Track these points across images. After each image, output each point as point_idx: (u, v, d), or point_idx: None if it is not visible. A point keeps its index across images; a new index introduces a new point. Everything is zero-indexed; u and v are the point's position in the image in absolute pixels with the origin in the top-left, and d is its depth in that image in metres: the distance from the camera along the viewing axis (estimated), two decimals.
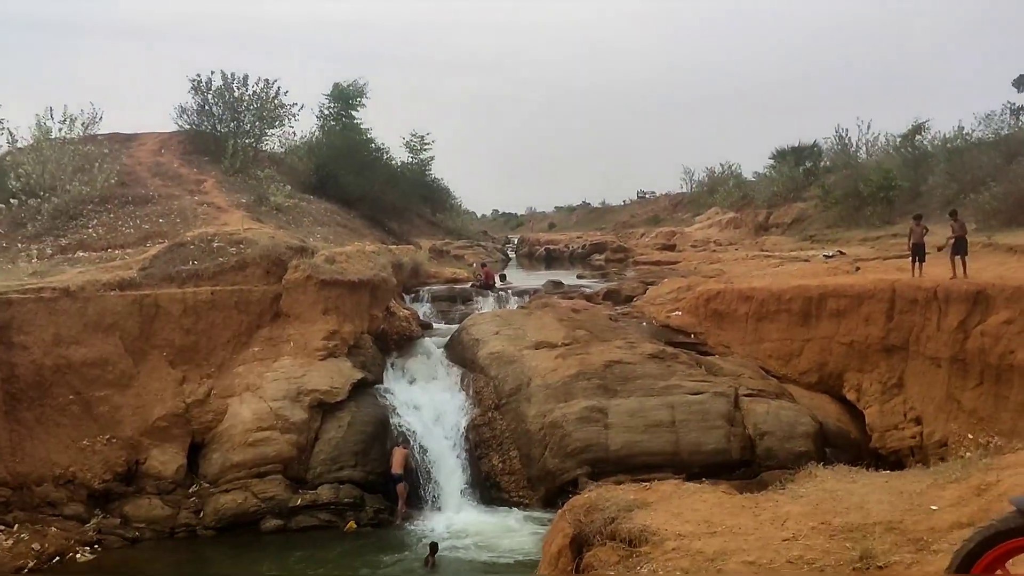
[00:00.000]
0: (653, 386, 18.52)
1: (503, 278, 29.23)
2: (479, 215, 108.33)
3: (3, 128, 25.65)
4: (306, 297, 19.47)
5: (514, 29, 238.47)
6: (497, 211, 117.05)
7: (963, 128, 35.81)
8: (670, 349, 20.14)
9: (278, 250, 20.01)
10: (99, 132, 29.01)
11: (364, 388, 19.18)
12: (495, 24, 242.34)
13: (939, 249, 18.83)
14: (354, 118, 39.31)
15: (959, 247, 17.77)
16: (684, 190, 68.97)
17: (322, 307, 19.50)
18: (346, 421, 18.19)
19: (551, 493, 17.70)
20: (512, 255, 58.54)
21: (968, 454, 15.44)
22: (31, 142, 24.22)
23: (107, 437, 17.15)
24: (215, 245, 19.75)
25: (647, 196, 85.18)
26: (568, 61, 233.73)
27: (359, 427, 18.19)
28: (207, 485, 17.34)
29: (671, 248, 45.10)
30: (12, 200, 21.93)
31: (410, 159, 50.46)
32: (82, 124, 28.22)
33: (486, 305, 25.33)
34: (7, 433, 16.24)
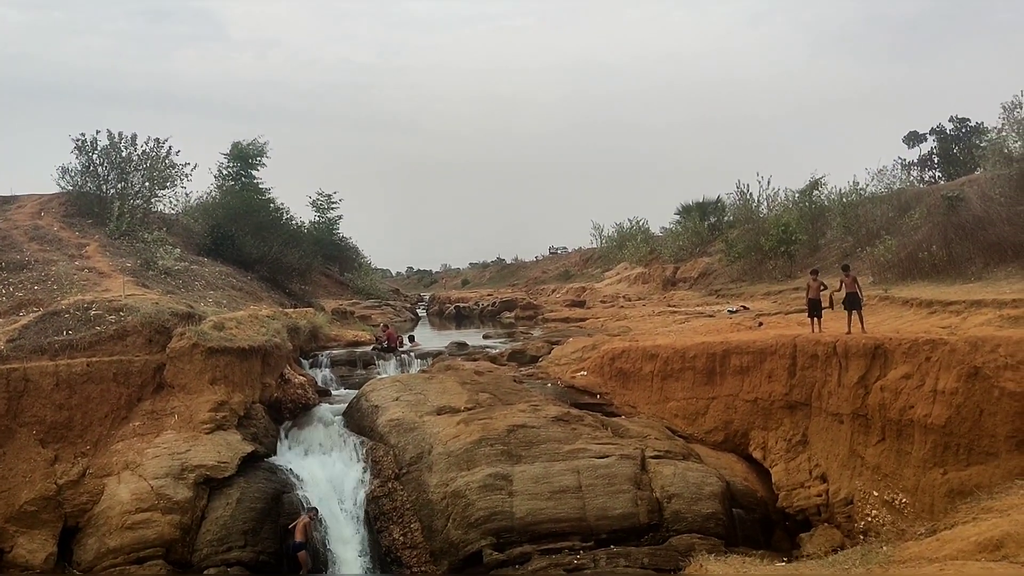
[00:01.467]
0: (558, 450, 18.00)
1: (411, 339, 28.41)
2: (394, 273, 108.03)
3: None
4: (192, 367, 18.41)
5: (429, 90, 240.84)
6: (412, 268, 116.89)
7: (857, 183, 36.79)
8: (575, 411, 19.65)
9: (162, 317, 18.94)
10: None
11: (255, 461, 18.10)
12: (409, 84, 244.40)
13: (830, 306, 18.90)
14: (253, 177, 38.53)
15: (851, 302, 17.85)
16: (594, 245, 69.44)
17: (209, 376, 18.45)
18: (235, 498, 17.06)
19: (455, 567, 16.90)
20: (423, 314, 57.89)
21: (873, 513, 15.27)
22: None
23: None
24: (92, 313, 18.59)
25: (559, 252, 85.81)
26: (483, 119, 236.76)
27: (249, 504, 17.07)
28: (80, 574, 15.98)
29: (580, 304, 45.06)
30: None
31: (317, 218, 49.83)
32: None
33: (388, 369, 24.53)
34: None
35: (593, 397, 21.25)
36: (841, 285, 18.19)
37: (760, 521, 17.85)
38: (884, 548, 8.54)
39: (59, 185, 28.77)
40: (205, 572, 16.03)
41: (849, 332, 17.44)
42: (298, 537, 16.72)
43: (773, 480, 18.11)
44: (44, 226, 26.21)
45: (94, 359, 17.79)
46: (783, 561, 9.59)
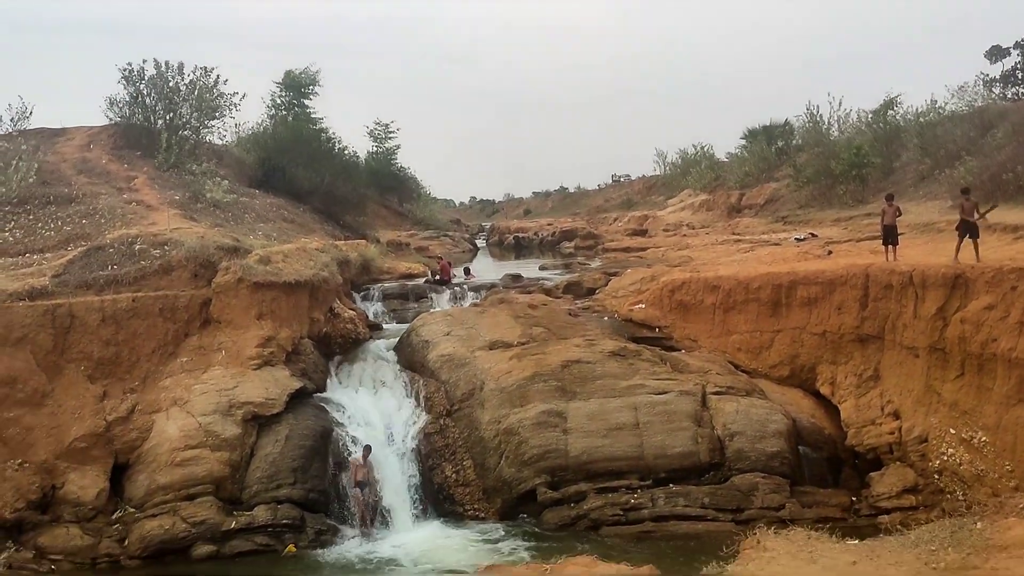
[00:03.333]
0: (615, 386, 17.38)
1: (467, 271, 27.64)
2: (456, 203, 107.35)
3: None
4: (238, 302, 18.01)
5: (488, 21, 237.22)
6: (475, 198, 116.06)
7: (936, 101, 34.68)
8: (632, 346, 18.91)
9: (207, 251, 18.53)
10: (28, 127, 27.30)
11: (304, 398, 17.79)
12: (469, 18, 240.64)
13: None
14: (306, 107, 37.87)
15: (969, 229, 16.33)
16: (658, 172, 67.68)
17: (256, 311, 18.05)
18: (283, 435, 16.78)
19: (508, 505, 16.59)
20: (483, 244, 57.30)
21: (949, 451, 14.28)
22: None
23: (18, 462, 15.61)
24: (137, 247, 18.25)
25: (621, 180, 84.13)
26: (545, 45, 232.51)
27: (298, 441, 16.78)
28: (132, 510, 15.87)
29: (642, 233, 43.93)
30: None
31: (374, 148, 49.16)
32: (11, 120, 26.67)
33: (441, 302, 23.96)
34: None
35: (651, 331, 20.43)
36: (964, 211, 16.57)
37: (828, 460, 17.09)
38: (978, 525, 7.50)
39: (107, 117, 28.54)
40: (255, 509, 15.85)
41: (978, 260, 15.88)
42: (357, 476, 16.51)
43: (842, 417, 17.24)
44: (92, 159, 25.97)
45: (139, 294, 17.49)
46: (854, 540, 8.21)
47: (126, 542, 15.35)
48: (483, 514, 16.70)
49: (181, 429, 16.29)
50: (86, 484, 15.94)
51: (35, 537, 15.22)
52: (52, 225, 20.73)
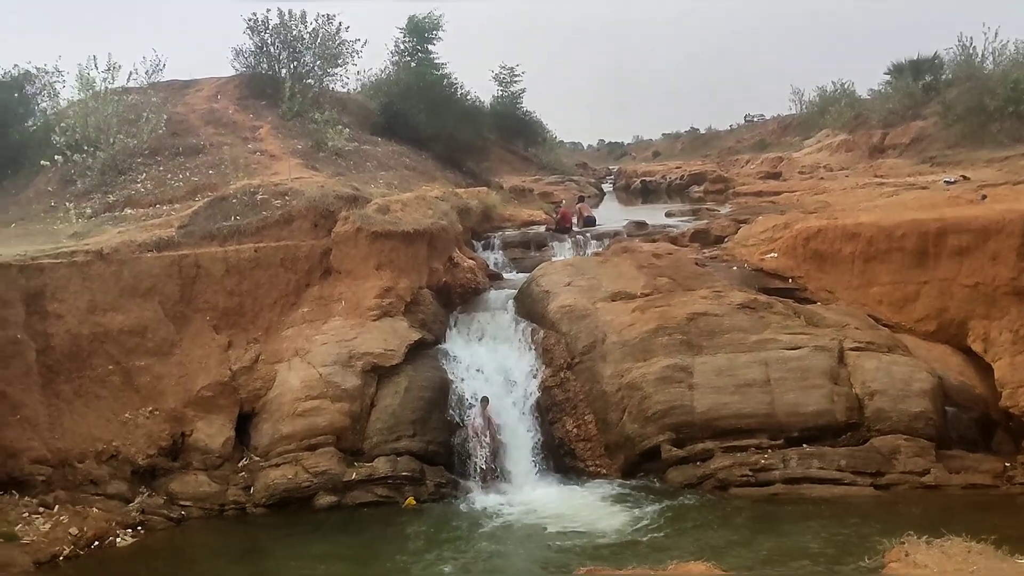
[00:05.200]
0: (744, 340, 16.51)
1: (589, 222, 26.59)
2: (584, 146, 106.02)
3: (53, 81, 24.87)
4: (357, 252, 17.90)
5: None
6: (603, 141, 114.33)
7: None
8: (763, 298, 17.91)
9: (326, 201, 18.44)
10: (160, 80, 27.89)
11: (423, 349, 17.62)
12: None
13: None
14: (429, 53, 37.52)
15: None
16: (793, 112, 64.74)
17: (375, 262, 17.90)
18: (403, 387, 16.70)
19: (631, 462, 16.10)
20: (609, 189, 56.24)
21: None
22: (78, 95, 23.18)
23: (150, 409, 16.02)
24: (259, 198, 18.32)
25: (755, 120, 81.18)
26: None
27: (417, 392, 16.68)
28: (257, 459, 16.13)
29: (776, 176, 42.01)
30: (57, 157, 20.90)
31: (500, 92, 48.65)
32: (145, 72, 27.24)
33: (563, 251, 23.34)
34: (45, 407, 15.20)
35: (784, 282, 19.32)
36: None
37: (977, 421, 15.87)
38: None
39: (233, 67, 28.89)
40: (375, 461, 15.85)
41: None
42: (477, 429, 16.35)
43: (996, 376, 15.87)
44: (219, 109, 26.33)
45: (261, 244, 17.57)
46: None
47: (252, 490, 15.59)
48: (605, 470, 16.28)
49: (302, 379, 16.38)
50: (213, 432, 16.25)
51: (166, 483, 15.62)
52: (180, 176, 21.07)
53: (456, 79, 34.80)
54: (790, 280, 19.29)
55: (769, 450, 15.33)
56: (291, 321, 17.55)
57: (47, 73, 25.36)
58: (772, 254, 19.90)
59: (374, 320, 17.44)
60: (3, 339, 14.48)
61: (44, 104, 25.73)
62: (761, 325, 16.87)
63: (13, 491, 14.24)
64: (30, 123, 25.08)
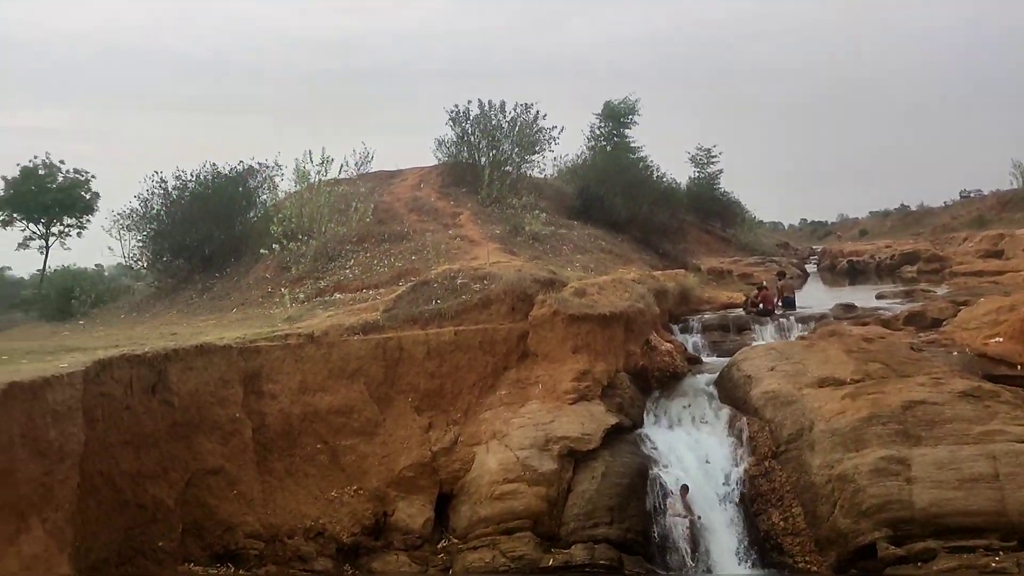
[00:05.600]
0: (967, 432, 15.11)
1: (788, 305, 25.54)
2: (785, 225, 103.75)
3: (273, 174, 26.79)
4: (553, 335, 17.94)
5: (814, 31, 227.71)
6: (805, 220, 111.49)
7: None
8: (988, 385, 16.44)
9: (523, 284, 18.66)
10: (368, 171, 29.55)
11: (620, 434, 17.26)
12: (794, 30, 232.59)
13: None
14: (625, 136, 38.02)
15: None
16: (1015, 186, 60.78)
17: (571, 345, 17.86)
18: (600, 472, 16.36)
19: (844, 559, 14.87)
20: (813, 269, 54.33)
21: None
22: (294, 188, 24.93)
23: (354, 488, 16.46)
24: (459, 282, 18.78)
25: (971, 195, 76.87)
26: (873, 54, 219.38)
27: (614, 479, 16.28)
28: (455, 541, 16.16)
29: (997, 255, 39.22)
30: (275, 246, 22.38)
31: (696, 173, 48.59)
32: (355, 164, 28.98)
33: (765, 334, 22.50)
34: (259, 484, 15.92)
35: (1012, 368, 17.68)
36: None
37: None
38: None
39: (436, 157, 30.30)
40: (572, 548, 15.53)
41: None
42: (676, 518, 15.74)
43: None
44: (422, 197, 27.51)
45: (460, 328, 17.93)
46: None
47: (450, 572, 15.58)
48: (815, 567, 15.16)
49: (500, 462, 16.38)
50: (414, 513, 16.46)
51: (368, 562, 15.86)
52: (385, 261, 22.03)
53: (652, 161, 35.13)
54: (1019, 367, 17.68)
55: (1001, 552, 13.84)
56: (489, 403, 17.69)
57: (267, 167, 27.45)
58: (997, 338, 18.35)
59: (571, 404, 17.31)
60: (223, 417, 15.30)
61: (264, 196, 27.77)
62: (987, 415, 15.46)
63: (229, 563, 14.85)
64: (252, 214, 26.99)
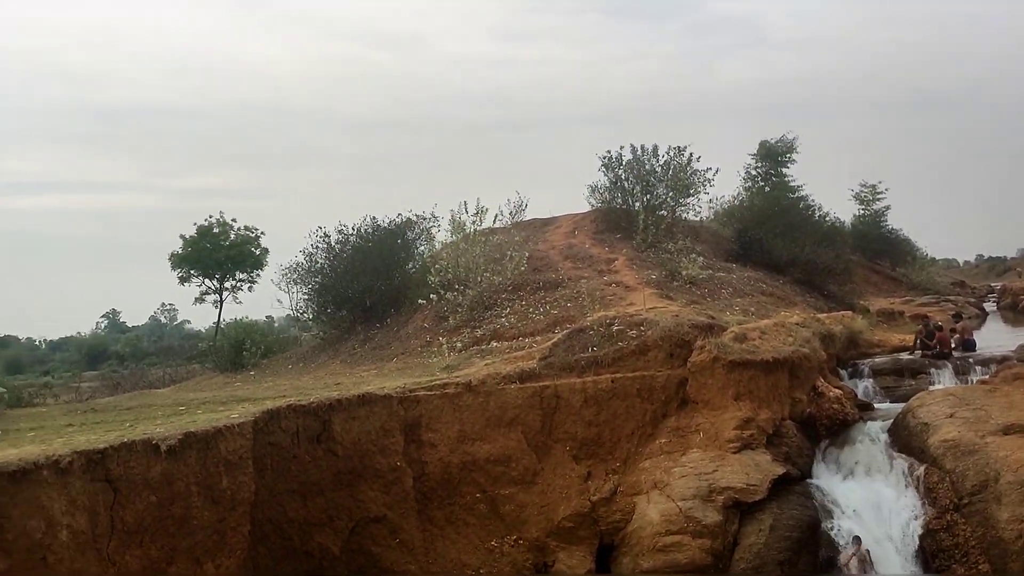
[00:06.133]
0: None
1: (968, 347, 23.71)
2: (960, 262, 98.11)
3: (429, 226, 27.42)
4: (714, 381, 17.43)
5: (979, 49, 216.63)
6: (982, 256, 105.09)
7: None
8: None
9: (681, 330, 18.24)
10: (523, 219, 29.84)
11: (788, 484, 16.57)
12: (957, 53, 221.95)
13: None
14: (783, 176, 37.02)
15: None
16: None
17: (733, 392, 17.31)
18: (767, 524, 15.74)
19: None
20: (992, 308, 50.91)
21: None
22: (449, 238, 25.41)
23: (514, 538, 16.42)
24: (615, 329, 18.52)
25: None
26: None
27: (783, 531, 15.66)
28: None
29: None
30: (432, 296, 22.80)
31: (861, 211, 46.85)
32: (509, 213, 29.36)
33: (942, 379, 21.07)
34: (420, 532, 16.10)
35: None
36: None
37: None
38: None
39: (589, 203, 30.34)
40: None
41: None
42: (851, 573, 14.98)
43: None
44: (576, 244, 27.50)
45: (617, 375, 17.67)
46: None
47: None
48: None
49: (662, 513, 15.98)
50: (574, 564, 16.27)
51: None
52: (540, 309, 22.03)
53: (813, 200, 33.92)
54: None
55: None
56: (648, 452, 17.30)
57: (424, 219, 28.14)
58: None
59: (734, 453, 16.74)
60: (385, 466, 15.56)
61: (422, 247, 28.44)
62: None
63: None
64: (410, 265, 27.68)
